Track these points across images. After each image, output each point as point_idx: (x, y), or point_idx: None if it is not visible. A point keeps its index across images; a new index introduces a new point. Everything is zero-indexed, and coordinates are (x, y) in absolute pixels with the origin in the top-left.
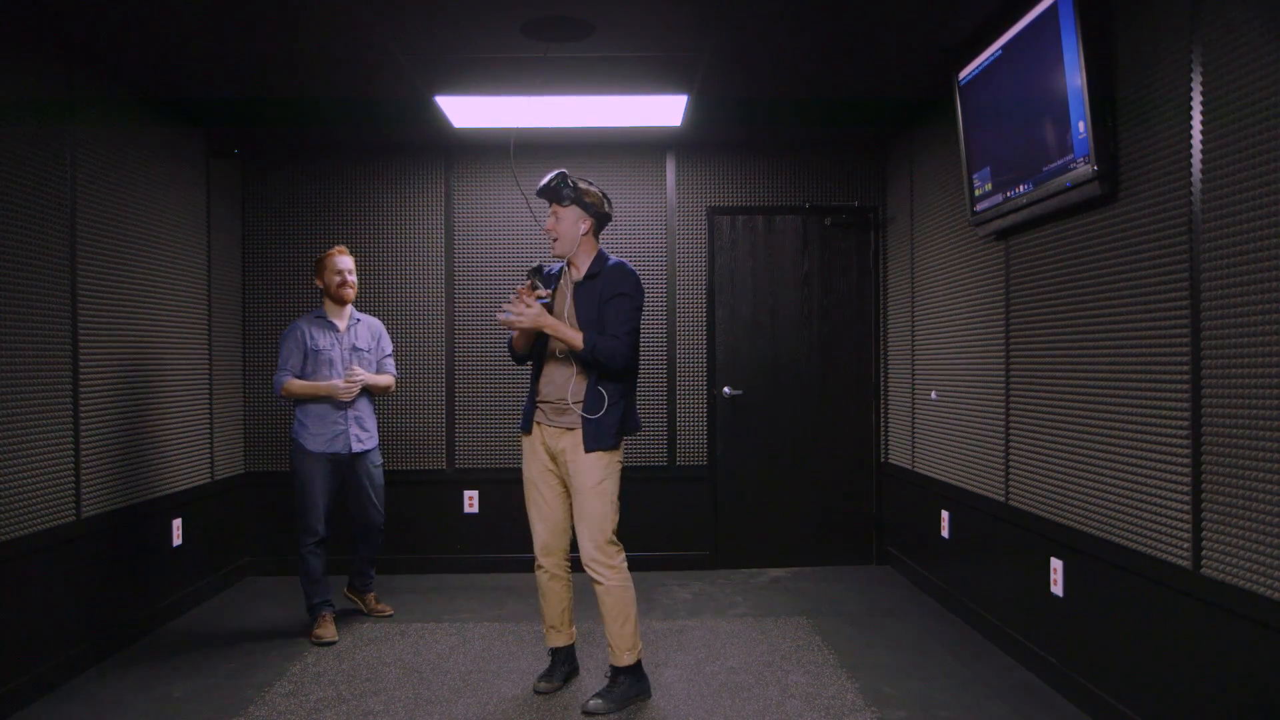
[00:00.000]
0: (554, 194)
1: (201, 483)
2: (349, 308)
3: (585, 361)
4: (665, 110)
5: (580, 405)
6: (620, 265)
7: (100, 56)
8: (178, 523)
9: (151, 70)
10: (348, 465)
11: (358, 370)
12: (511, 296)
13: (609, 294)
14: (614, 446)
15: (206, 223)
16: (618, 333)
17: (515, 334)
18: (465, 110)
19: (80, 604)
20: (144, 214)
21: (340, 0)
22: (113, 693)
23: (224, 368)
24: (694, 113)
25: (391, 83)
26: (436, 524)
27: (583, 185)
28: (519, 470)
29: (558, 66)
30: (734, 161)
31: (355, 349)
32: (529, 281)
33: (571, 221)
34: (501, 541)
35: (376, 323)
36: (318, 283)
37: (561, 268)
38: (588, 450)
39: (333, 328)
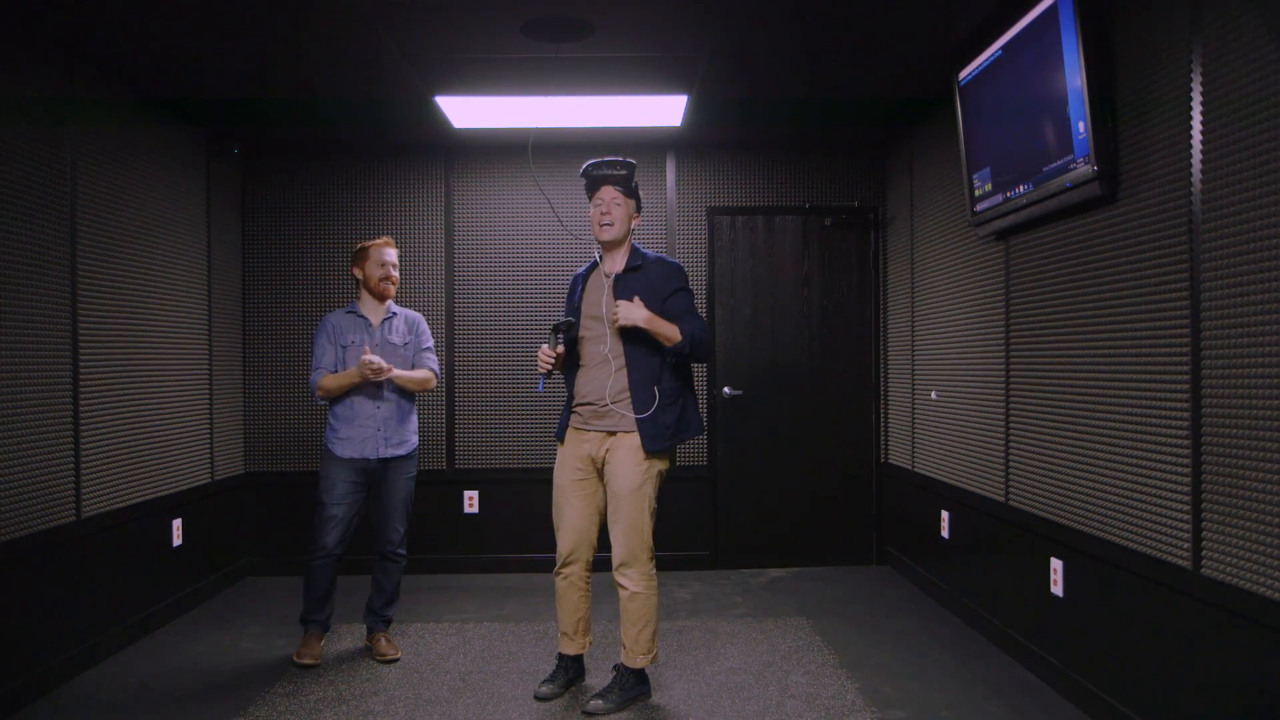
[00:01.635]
0: (624, 181)
1: (201, 483)
2: (388, 303)
3: (680, 354)
4: (665, 110)
5: (621, 405)
6: (664, 258)
7: (100, 57)
8: (178, 523)
9: (151, 70)
10: (377, 473)
11: (371, 356)
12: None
13: (669, 289)
14: (668, 449)
15: (206, 222)
16: (699, 325)
17: (543, 377)
18: (465, 110)
19: (80, 604)
20: (144, 214)
21: (340, 0)
22: (112, 693)
23: (224, 368)
24: (694, 113)
25: (391, 83)
26: (436, 524)
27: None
28: (519, 471)
29: (558, 66)
30: (734, 162)
31: (388, 343)
32: (556, 338)
33: (627, 213)
34: (501, 542)
35: (416, 315)
36: (355, 273)
37: (593, 265)
38: (647, 450)
39: (365, 321)
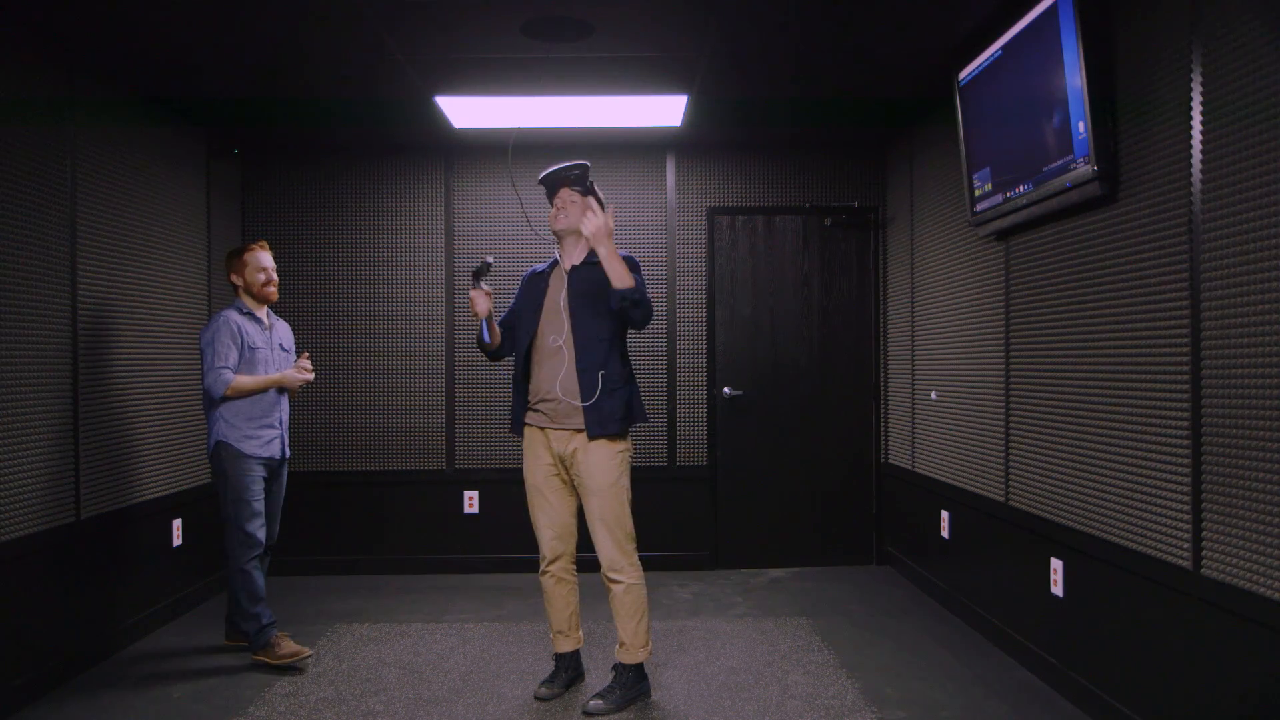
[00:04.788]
0: (579, 181)
1: (202, 483)
2: (266, 306)
3: (629, 298)
4: (665, 110)
5: (570, 395)
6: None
7: (100, 57)
8: (178, 523)
9: (151, 71)
10: (274, 472)
11: (308, 364)
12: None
13: None
14: (619, 434)
15: (207, 222)
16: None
17: (484, 321)
18: (465, 110)
19: (80, 604)
20: (144, 214)
21: (340, 1)
22: (113, 693)
23: None
24: (694, 113)
25: (391, 83)
26: (436, 524)
27: (592, 184)
28: (519, 471)
29: (558, 66)
30: (734, 162)
31: (282, 349)
32: (477, 282)
33: (581, 210)
34: (501, 542)
35: (286, 324)
36: (234, 280)
37: (553, 262)
38: (591, 437)
39: (261, 324)
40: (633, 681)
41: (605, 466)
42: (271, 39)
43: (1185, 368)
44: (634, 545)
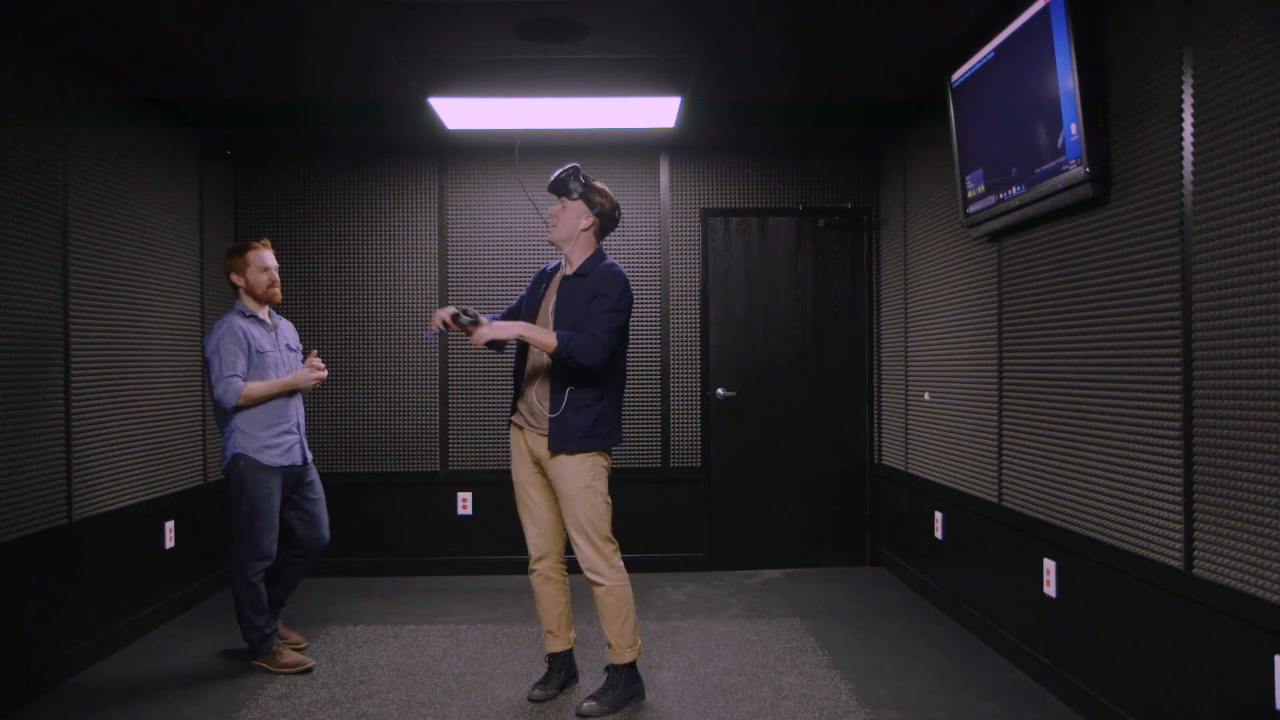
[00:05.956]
0: (562, 187)
1: (194, 485)
2: (267, 306)
3: (560, 360)
4: (659, 112)
5: (542, 404)
6: (610, 266)
7: (93, 59)
8: (170, 525)
9: (144, 72)
10: (297, 478)
11: (317, 359)
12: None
13: (592, 294)
14: (581, 450)
15: (199, 223)
16: (595, 331)
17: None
18: (459, 112)
19: (73, 607)
20: (136, 216)
21: (333, 2)
22: (105, 696)
23: None
24: (687, 114)
25: (385, 84)
26: (430, 526)
27: (595, 184)
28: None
29: (551, 68)
30: (727, 163)
31: (289, 348)
32: (457, 315)
33: (574, 215)
34: (495, 543)
35: (289, 322)
36: (235, 279)
37: (558, 265)
38: (550, 449)
39: (265, 326)
40: (626, 683)
41: (574, 472)
42: (263, 39)
43: (1177, 368)
44: (613, 547)
